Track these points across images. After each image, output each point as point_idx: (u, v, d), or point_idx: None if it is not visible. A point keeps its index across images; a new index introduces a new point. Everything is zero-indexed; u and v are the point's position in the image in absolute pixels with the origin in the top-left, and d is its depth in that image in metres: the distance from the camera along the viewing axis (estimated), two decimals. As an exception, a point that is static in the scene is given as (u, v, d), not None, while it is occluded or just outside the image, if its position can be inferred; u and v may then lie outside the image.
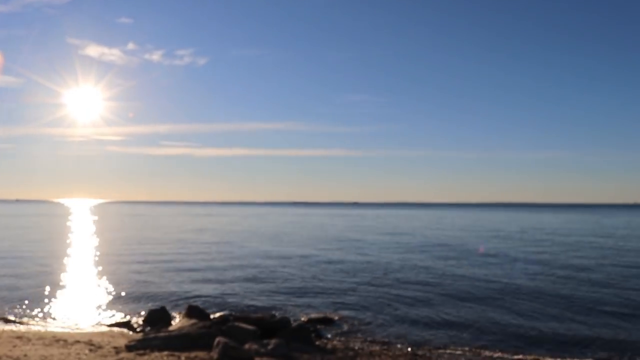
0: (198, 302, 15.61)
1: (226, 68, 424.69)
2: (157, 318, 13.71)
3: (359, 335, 12.81)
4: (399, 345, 11.86)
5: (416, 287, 18.67)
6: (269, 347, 10.39)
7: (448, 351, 11.45)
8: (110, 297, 17.16)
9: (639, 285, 19.23)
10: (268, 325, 12.15)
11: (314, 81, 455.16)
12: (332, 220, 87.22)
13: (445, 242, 39.17)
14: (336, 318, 14.35)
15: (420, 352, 11.23)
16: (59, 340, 10.97)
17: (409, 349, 11.52)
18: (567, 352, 11.33)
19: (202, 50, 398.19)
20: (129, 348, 10.41)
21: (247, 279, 20.92)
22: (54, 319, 14.42)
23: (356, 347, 11.45)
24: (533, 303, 16.10)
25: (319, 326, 13.34)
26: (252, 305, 15.98)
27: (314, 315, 14.54)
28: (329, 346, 11.47)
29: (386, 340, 12.36)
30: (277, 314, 13.79)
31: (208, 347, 10.36)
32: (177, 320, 13.55)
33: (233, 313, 14.21)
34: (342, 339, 12.40)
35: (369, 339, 12.46)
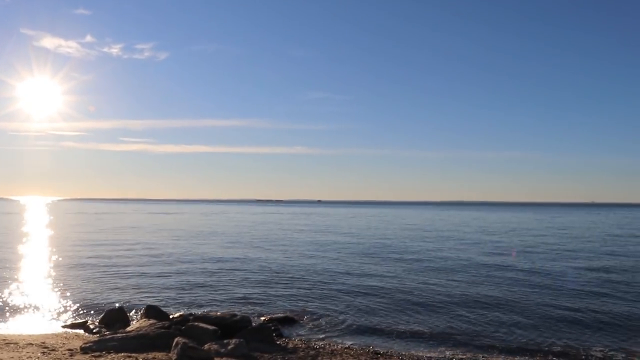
0: (157, 303, 15.33)
1: (187, 63, 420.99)
2: (114, 319, 13.39)
3: (321, 334, 12.79)
4: (360, 344, 11.89)
5: (376, 290, 18.70)
6: (229, 347, 10.26)
7: (411, 351, 11.54)
8: (65, 298, 16.66)
9: (591, 289, 19.75)
10: (228, 324, 12.00)
11: (276, 78, 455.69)
12: (294, 218, 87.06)
13: (403, 243, 39.59)
14: (298, 318, 14.30)
15: (382, 351, 11.27)
16: (9, 344, 10.56)
17: (371, 348, 11.56)
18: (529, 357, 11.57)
19: (162, 45, 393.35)
20: (84, 350, 10.13)
21: (207, 279, 20.67)
22: (4, 321, 13.90)
23: (317, 347, 11.42)
24: (491, 309, 16.29)
25: (280, 326, 13.26)
26: (212, 305, 15.80)
27: (275, 315, 14.46)
28: (290, 345, 11.40)
29: (348, 339, 12.38)
30: (237, 313, 13.61)
31: (167, 348, 10.17)
32: (135, 321, 13.26)
33: (193, 313, 13.99)
34: (304, 338, 12.35)
35: (330, 338, 12.46)
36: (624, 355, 11.26)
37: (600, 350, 11.58)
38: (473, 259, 28.07)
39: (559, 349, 11.72)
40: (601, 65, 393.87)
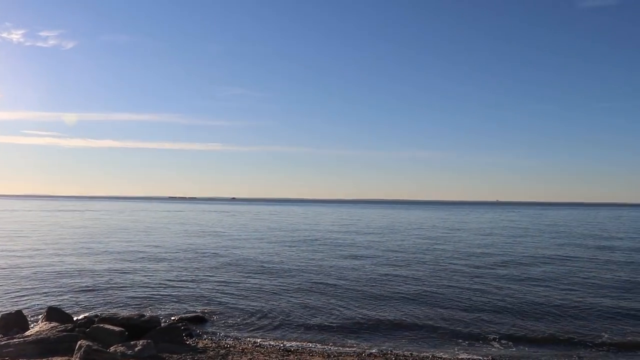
0: (59, 305, 14.63)
1: (96, 54, 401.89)
2: (12, 323, 12.58)
3: (231, 333, 12.76)
4: (271, 342, 11.98)
5: (283, 288, 18.75)
6: (137, 348, 10.00)
7: (319, 347, 11.77)
8: (-44, 301, 15.52)
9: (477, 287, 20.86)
10: (136, 325, 11.67)
11: (192, 73, 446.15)
12: (207, 216, 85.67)
13: (318, 238, 40.10)
14: (208, 317, 14.16)
15: (292, 348, 11.41)
16: None
17: (282, 346, 11.67)
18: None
19: (69, 33, 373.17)
20: (-23, 357, 9.51)
21: (115, 279, 19.96)
22: None
23: (228, 345, 11.38)
24: (397, 302, 16.96)
25: (190, 325, 13.09)
26: (120, 306, 15.30)
27: (185, 314, 14.24)
28: (200, 345, 11.28)
29: (258, 337, 12.44)
30: (146, 314, 13.28)
31: (70, 352, 9.76)
32: (36, 325, 12.57)
33: (98, 314, 13.47)
34: (214, 337, 12.28)
35: (241, 336, 12.46)
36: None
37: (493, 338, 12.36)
38: (380, 255, 28.96)
39: (464, 343, 12.41)
40: (504, 68, 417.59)
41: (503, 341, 12.36)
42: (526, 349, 11.88)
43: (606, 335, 12.81)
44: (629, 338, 12.63)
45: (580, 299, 17.00)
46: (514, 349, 11.83)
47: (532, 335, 12.85)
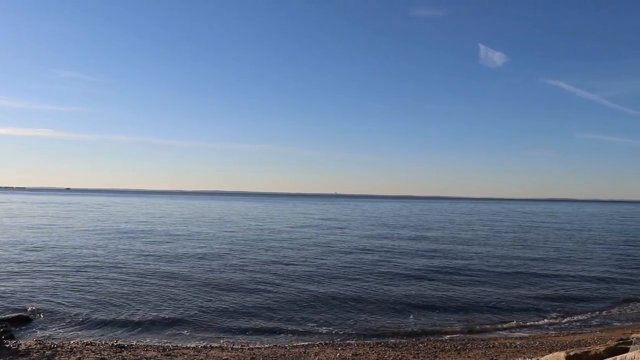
0: None
1: None
2: None
3: (60, 332, 12.09)
4: (103, 339, 11.57)
5: (118, 280, 18.17)
6: (-55, 355, 9.10)
7: (155, 342, 11.64)
8: None
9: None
10: (-55, 330, 10.58)
11: (19, 52, 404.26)
12: (30, 208, 78.76)
13: (152, 230, 39.13)
14: (34, 316, 13.25)
15: (126, 344, 11.13)
16: None
17: (114, 342, 11.32)
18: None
19: None
20: None
21: None
22: None
23: (54, 345, 10.76)
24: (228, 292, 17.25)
25: (12, 327, 12.10)
26: None
27: (6, 315, 13.16)
28: (23, 347, 10.53)
29: (89, 335, 11.94)
30: (-42, 316, 12.07)
31: None
32: None
33: None
34: (40, 338, 11.52)
35: (70, 335, 11.85)
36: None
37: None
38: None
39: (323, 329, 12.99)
40: (346, 70, 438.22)
41: (328, 328, 13.25)
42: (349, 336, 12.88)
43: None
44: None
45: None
46: (339, 335, 12.76)
47: (349, 324, 13.95)
